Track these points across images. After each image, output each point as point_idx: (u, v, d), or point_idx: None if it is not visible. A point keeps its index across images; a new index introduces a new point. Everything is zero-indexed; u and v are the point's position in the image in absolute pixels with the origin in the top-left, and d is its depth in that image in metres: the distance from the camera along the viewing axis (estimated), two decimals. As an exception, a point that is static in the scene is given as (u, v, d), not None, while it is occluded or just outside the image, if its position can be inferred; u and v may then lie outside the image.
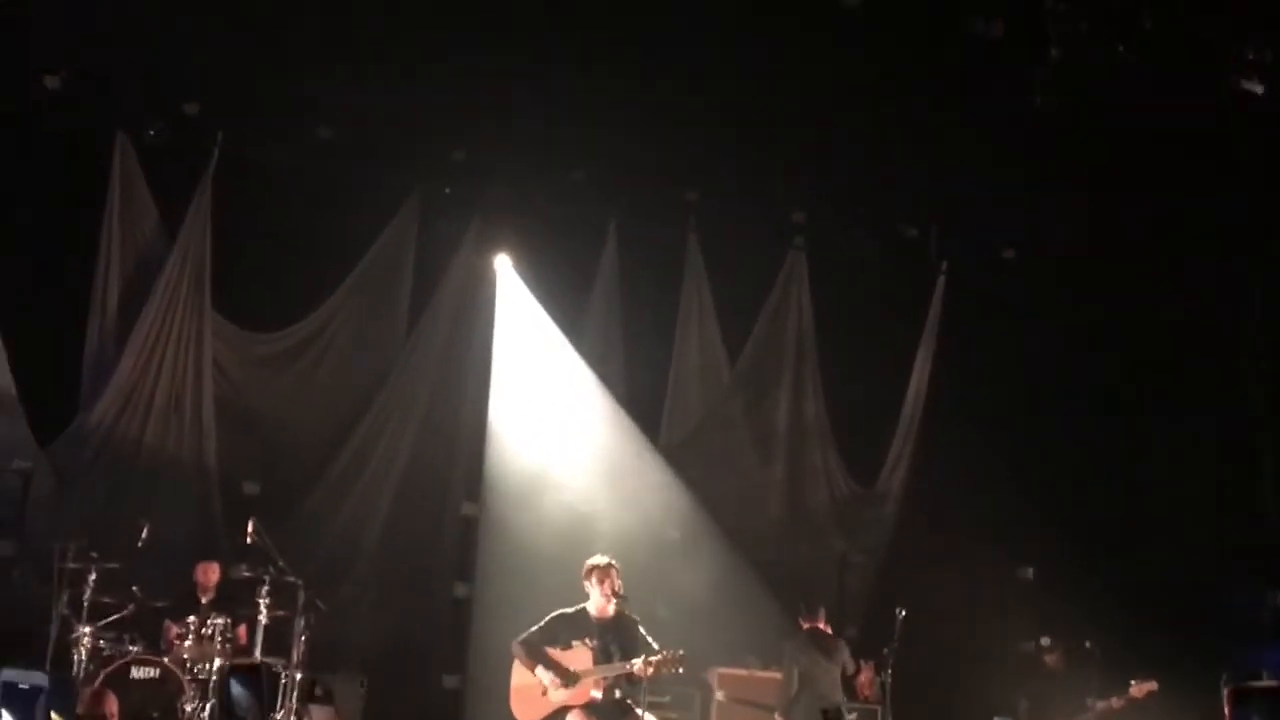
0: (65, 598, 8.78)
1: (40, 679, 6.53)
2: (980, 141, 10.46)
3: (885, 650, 9.39)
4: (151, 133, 10.04)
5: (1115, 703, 9.11)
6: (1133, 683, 9.09)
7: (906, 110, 10.15)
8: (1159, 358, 11.64)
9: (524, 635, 8.13)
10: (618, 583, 8.12)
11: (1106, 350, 11.38)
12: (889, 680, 9.44)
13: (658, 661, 7.79)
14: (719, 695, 9.77)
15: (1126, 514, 11.19)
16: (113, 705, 6.73)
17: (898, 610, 9.30)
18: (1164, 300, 11.42)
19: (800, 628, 9.87)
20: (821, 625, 9.86)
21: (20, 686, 2.65)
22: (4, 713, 3.28)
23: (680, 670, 8.03)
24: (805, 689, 9.37)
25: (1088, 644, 9.27)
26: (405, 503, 10.55)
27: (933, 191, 11.24)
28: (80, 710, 6.21)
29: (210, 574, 9.29)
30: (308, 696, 8.68)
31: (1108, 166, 10.78)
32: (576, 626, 8.07)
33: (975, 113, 10.25)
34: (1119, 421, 11.39)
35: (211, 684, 8.74)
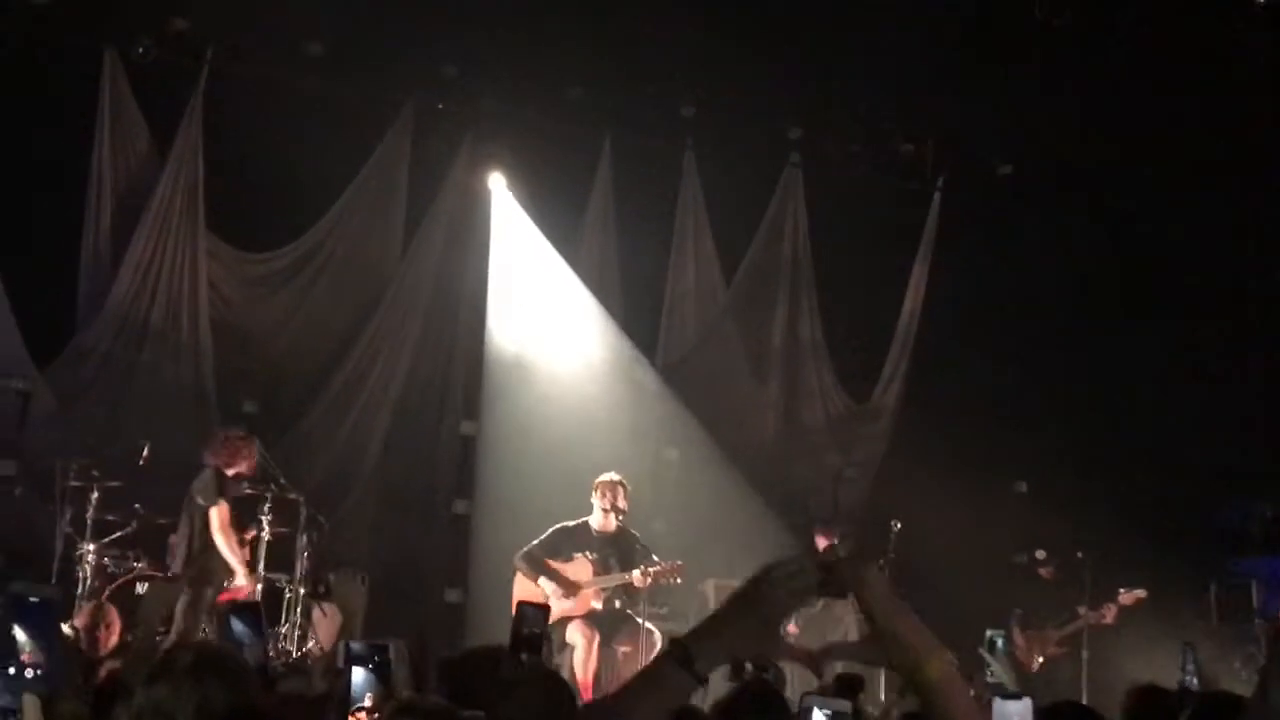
0: (68, 516, 8.89)
1: (51, 591, 6.57)
2: (981, 55, 10.34)
3: (880, 562, 9.54)
4: (140, 50, 9.90)
5: (1107, 610, 9.25)
6: (1121, 591, 9.23)
7: (904, 22, 10.04)
8: (1154, 274, 11.64)
9: (526, 548, 8.27)
10: (622, 500, 8.27)
11: (1101, 267, 11.37)
12: (884, 591, 9.60)
13: (656, 572, 7.96)
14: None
15: (1119, 429, 11.26)
16: (113, 617, 6.79)
17: (892, 523, 9.44)
18: (1162, 217, 11.38)
19: (816, 540, 10.02)
20: (837, 541, 10.03)
21: (30, 599, 2.64)
22: (15, 626, 3.26)
23: (678, 580, 8.19)
24: None
25: (1079, 555, 9.40)
26: (404, 421, 10.59)
27: (930, 107, 11.15)
28: (81, 623, 6.27)
29: (213, 491, 9.35)
30: (314, 594, 8.84)
31: (1107, 78, 10.68)
32: (577, 539, 8.21)
33: (974, 23, 10.14)
34: (1113, 339, 11.41)
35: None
